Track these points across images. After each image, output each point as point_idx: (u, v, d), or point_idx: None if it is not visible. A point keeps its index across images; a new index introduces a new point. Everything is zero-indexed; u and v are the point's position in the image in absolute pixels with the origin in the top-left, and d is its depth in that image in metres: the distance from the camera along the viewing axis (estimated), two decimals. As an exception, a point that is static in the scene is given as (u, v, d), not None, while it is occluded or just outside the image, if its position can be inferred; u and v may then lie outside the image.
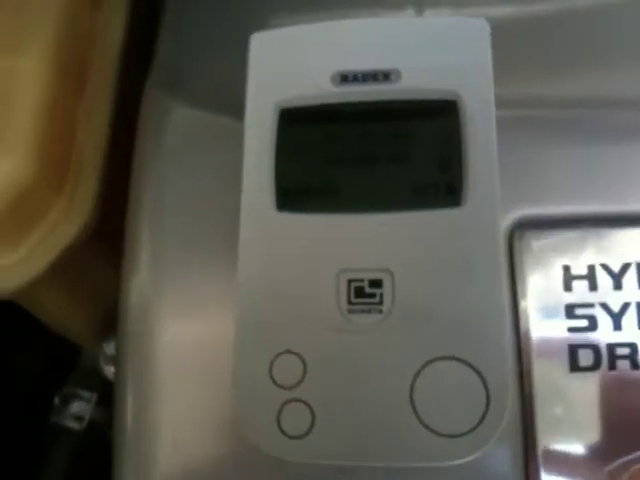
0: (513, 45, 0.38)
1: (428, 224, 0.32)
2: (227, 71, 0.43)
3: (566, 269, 0.33)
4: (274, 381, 0.31)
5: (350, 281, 0.31)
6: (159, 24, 0.47)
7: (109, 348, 0.47)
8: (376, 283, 0.31)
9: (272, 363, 0.31)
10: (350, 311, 0.31)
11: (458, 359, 0.29)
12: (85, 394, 0.51)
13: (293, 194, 0.34)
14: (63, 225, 0.42)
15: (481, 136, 0.32)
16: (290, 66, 0.35)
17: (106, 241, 0.43)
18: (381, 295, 0.31)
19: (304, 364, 0.31)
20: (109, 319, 0.45)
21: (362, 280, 0.31)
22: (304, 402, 0.30)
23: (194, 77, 0.44)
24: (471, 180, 0.32)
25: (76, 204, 0.43)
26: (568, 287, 0.33)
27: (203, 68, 0.44)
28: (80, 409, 0.51)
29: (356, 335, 0.31)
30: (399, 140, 0.33)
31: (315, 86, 0.34)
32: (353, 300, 0.31)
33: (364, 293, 0.31)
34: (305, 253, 0.32)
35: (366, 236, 0.32)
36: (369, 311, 0.31)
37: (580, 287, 0.33)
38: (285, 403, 0.31)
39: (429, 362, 0.29)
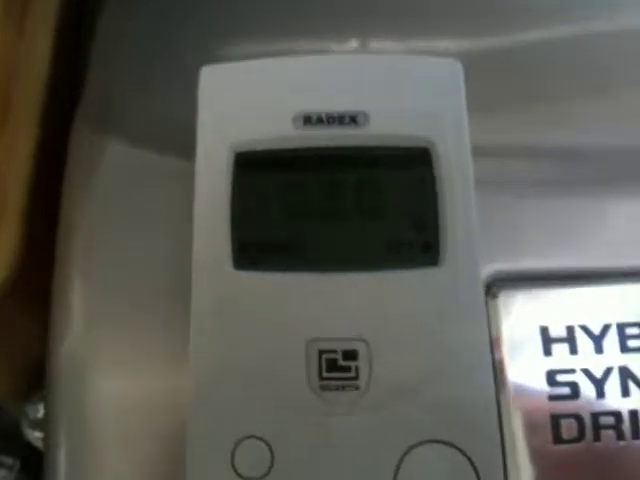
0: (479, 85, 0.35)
1: (404, 285, 0.29)
2: (168, 105, 0.39)
3: (544, 330, 0.31)
4: (237, 472, 0.27)
5: (321, 352, 0.28)
6: (87, 53, 0.42)
7: (32, 410, 0.42)
8: (351, 355, 0.28)
9: (234, 451, 0.27)
10: (322, 387, 0.28)
11: (445, 442, 0.27)
12: (7, 460, 0.46)
13: (252, 250, 0.30)
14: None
15: (458, 187, 0.30)
16: (246, 104, 0.31)
17: (27, 291, 0.38)
18: (357, 369, 0.28)
19: (271, 451, 0.27)
20: (31, 377, 0.41)
21: (335, 351, 0.28)
22: (272, 495, 0.27)
23: (129, 111, 0.40)
24: (449, 237, 0.29)
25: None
26: (548, 351, 0.31)
27: (139, 101, 0.40)
28: (2, 476, 0.46)
29: (329, 417, 0.27)
30: (369, 191, 0.30)
31: (275, 128, 0.31)
32: (325, 375, 0.28)
33: (337, 366, 0.28)
34: (268, 319, 0.29)
35: (337, 299, 0.29)
36: (343, 387, 0.28)
37: (560, 350, 0.31)
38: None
39: (413, 446, 0.27)
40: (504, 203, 0.34)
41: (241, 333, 0.29)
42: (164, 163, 0.37)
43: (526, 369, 0.31)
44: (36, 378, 0.38)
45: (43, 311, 0.36)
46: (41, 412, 0.43)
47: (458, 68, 0.32)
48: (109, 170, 0.37)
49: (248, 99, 0.31)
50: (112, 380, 0.34)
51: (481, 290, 0.29)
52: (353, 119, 0.31)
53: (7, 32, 0.38)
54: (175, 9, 0.42)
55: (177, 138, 0.37)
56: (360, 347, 0.28)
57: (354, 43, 0.40)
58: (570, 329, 0.31)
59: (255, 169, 0.31)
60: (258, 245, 0.30)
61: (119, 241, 0.36)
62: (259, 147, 0.31)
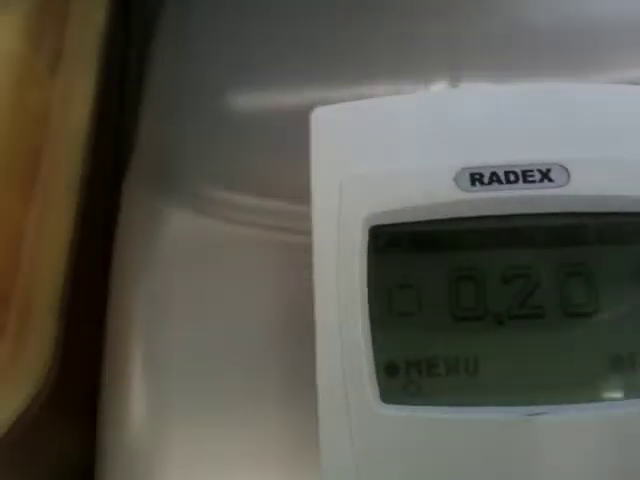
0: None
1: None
2: (242, 162, 0.30)
3: None
4: None
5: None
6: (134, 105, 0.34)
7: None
8: None
9: None
10: None
11: None
12: None
13: (406, 373, 0.20)
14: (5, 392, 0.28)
15: None
16: (385, 161, 0.22)
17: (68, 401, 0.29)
18: None
19: None
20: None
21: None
22: None
23: (191, 170, 0.31)
24: None
25: (24, 361, 0.28)
26: None
27: (204, 158, 0.31)
28: None
29: None
30: (577, 281, 0.20)
31: (430, 191, 0.21)
32: None
33: None
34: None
35: (549, 455, 0.19)
36: None
37: None
38: None
39: None
40: None
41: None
42: (236, 233, 0.29)
43: None
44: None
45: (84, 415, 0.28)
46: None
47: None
48: (172, 239, 0.29)
49: (385, 151, 0.22)
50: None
51: None
52: (545, 175, 0.21)
53: (36, 74, 0.29)
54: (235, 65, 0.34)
55: (254, 202, 0.30)
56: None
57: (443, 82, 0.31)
58: None
59: (402, 251, 0.21)
60: (414, 365, 0.20)
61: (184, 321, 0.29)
62: (407, 218, 0.21)
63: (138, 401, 0.29)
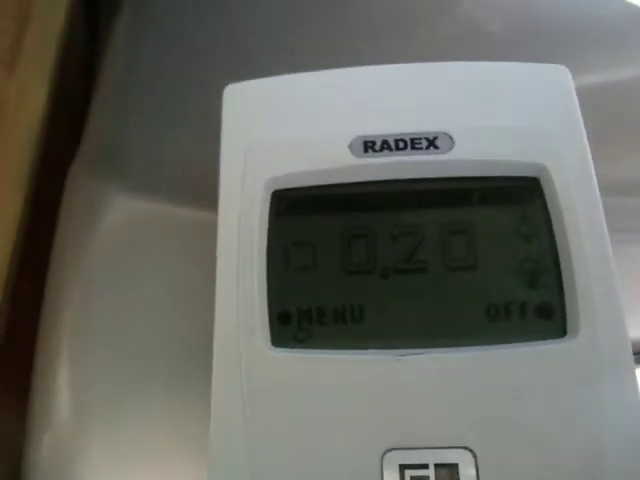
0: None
1: (516, 368, 0.20)
2: (183, 147, 0.32)
3: None
4: None
5: (403, 468, 0.19)
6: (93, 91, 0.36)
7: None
8: (449, 471, 0.19)
9: None
10: (407, 526, 0.18)
11: None
12: None
13: (296, 321, 0.22)
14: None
15: (584, 226, 0.21)
16: (286, 129, 0.24)
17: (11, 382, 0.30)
18: (459, 493, 0.19)
19: None
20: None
21: (424, 467, 0.19)
22: None
23: (136, 156, 0.33)
24: (580, 296, 0.20)
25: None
26: None
27: (146, 147, 0.33)
28: None
29: None
30: (459, 238, 0.22)
31: (327, 158, 0.23)
32: (411, 502, 0.19)
33: (430, 491, 0.19)
34: (323, 422, 0.20)
35: (421, 389, 0.20)
36: (441, 525, 0.18)
37: None
38: None
39: None
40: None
41: (278, 437, 0.20)
42: (175, 214, 0.29)
43: None
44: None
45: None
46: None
47: (566, 74, 0.24)
48: (111, 221, 0.30)
49: (288, 122, 0.24)
50: None
51: (634, 371, 0.20)
52: (432, 143, 0.23)
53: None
54: (184, 52, 0.36)
55: (191, 184, 0.30)
56: (462, 459, 0.19)
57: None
58: None
59: (300, 212, 0.23)
60: (304, 314, 0.22)
61: (119, 309, 0.29)
62: (305, 183, 0.23)
63: (65, 388, 0.28)
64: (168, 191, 0.32)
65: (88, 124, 0.34)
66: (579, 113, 0.23)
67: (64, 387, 0.28)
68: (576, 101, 0.23)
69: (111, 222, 0.31)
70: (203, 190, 0.28)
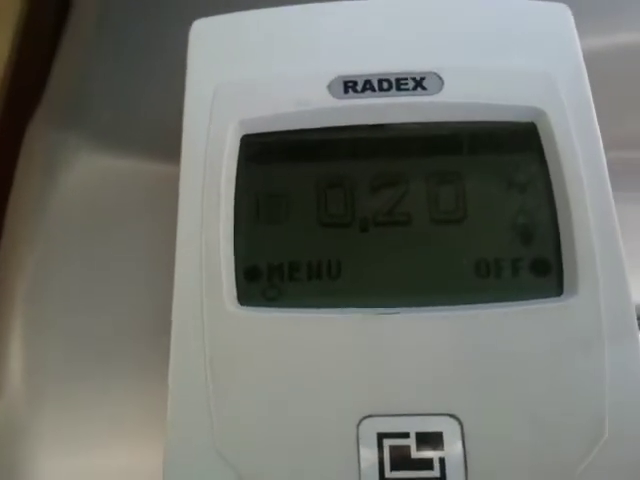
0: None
1: (508, 329, 0.18)
2: (153, 98, 0.30)
3: None
4: None
5: (381, 437, 0.17)
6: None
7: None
8: (432, 440, 0.17)
9: None
10: (386, 498, 0.16)
11: None
12: None
13: (266, 278, 0.19)
14: None
15: (584, 176, 0.19)
16: (258, 68, 0.21)
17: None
18: (442, 463, 0.17)
19: None
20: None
21: (405, 435, 0.17)
22: None
23: (101, 107, 0.30)
24: (578, 252, 0.18)
25: None
26: None
27: (107, 100, 0.30)
28: None
29: None
30: (447, 189, 0.20)
31: (303, 99, 0.21)
32: (389, 475, 0.17)
33: (410, 461, 0.17)
34: (293, 387, 0.18)
35: (403, 351, 0.18)
36: (422, 497, 0.16)
37: None
38: None
39: None
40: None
41: (244, 404, 0.18)
42: (137, 168, 0.27)
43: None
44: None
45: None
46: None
47: (567, 13, 0.22)
48: (69, 177, 0.27)
49: (260, 60, 0.21)
50: (56, 457, 0.25)
51: (637, 335, 0.18)
52: (419, 84, 0.21)
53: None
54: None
55: (155, 137, 0.28)
56: (447, 428, 0.17)
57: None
58: None
59: (272, 159, 0.21)
60: (275, 270, 0.20)
61: (79, 275, 0.26)
62: (277, 127, 0.21)
63: (16, 356, 0.26)
64: (136, 145, 0.29)
65: (52, 74, 0.32)
66: (580, 55, 0.21)
67: (17, 355, 0.26)
68: (577, 42, 0.21)
69: (73, 178, 0.29)
70: (175, 144, 0.26)
